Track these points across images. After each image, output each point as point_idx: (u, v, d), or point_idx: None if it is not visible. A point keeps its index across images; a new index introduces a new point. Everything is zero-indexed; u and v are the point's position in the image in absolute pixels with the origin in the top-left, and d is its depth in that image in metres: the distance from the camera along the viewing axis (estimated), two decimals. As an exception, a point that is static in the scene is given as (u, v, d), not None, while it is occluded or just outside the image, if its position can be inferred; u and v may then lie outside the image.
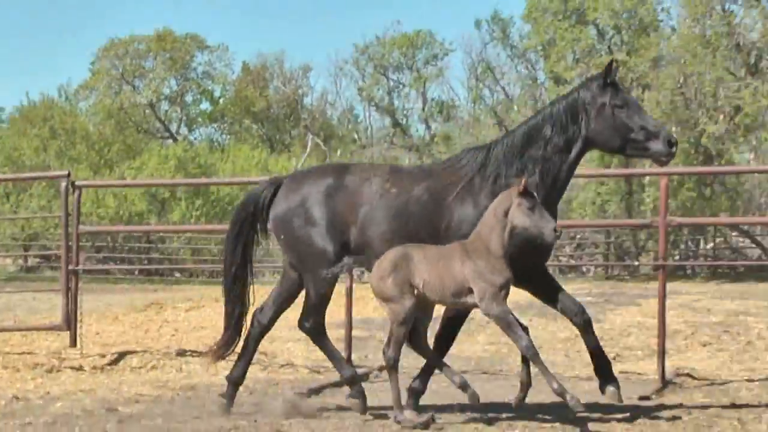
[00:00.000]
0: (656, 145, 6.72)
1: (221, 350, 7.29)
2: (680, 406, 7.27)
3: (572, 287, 16.23)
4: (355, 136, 48.03)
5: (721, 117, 26.40)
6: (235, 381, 7.24)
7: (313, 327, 7.11)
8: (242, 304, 7.23)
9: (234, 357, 7.42)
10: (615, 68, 6.88)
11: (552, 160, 6.73)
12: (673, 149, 6.73)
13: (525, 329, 6.38)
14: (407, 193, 6.78)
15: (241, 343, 7.28)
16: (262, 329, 7.22)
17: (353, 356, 9.49)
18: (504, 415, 6.77)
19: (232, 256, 7.17)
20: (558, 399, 6.30)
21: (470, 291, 6.33)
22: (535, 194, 6.35)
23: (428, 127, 45.48)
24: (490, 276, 6.28)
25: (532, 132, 6.79)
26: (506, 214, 6.30)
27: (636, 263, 28.64)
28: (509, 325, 6.28)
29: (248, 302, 7.26)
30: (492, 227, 6.33)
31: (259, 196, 7.17)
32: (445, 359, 6.80)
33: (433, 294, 6.38)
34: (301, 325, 7.20)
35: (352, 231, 6.82)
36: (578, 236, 31.22)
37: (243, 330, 7.25)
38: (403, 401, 6.63)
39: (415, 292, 6.38)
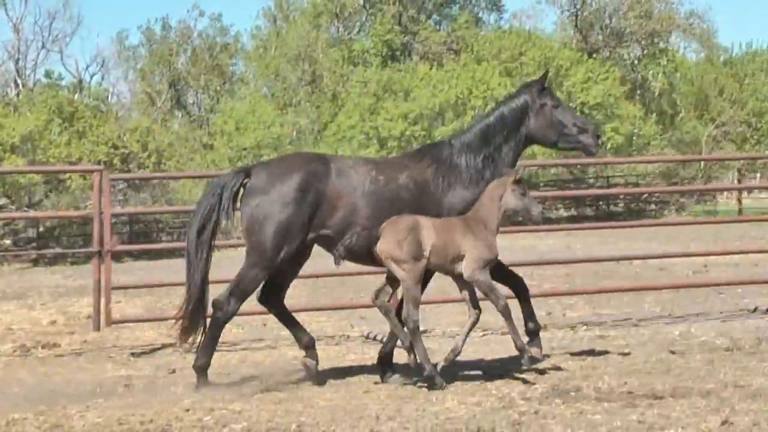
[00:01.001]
0: (587, 138, 7.95)
1: (183, 337, 7.67)
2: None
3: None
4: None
5: None
6: (203, 367, 7.57)
7: (277, 302, 7.76)
8: (204, 291, 7.57)
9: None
10: (548, 75, 8.16)
11: (502, 157, 7.80)
12: (599, 141, 8.01)
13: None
14: (395, 181, 7.56)
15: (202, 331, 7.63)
16: (227, 318, 7.58)
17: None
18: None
19: (197, 248, 7.50)
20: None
21: (462, 259, 7.26)
22: (524, 182, 7.47)
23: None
24: (484, 250, 7.29)
25: (486, 132, 7.83)
26: (501, 198, 7.41)
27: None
28: (492, 289, 7.30)
29: (208, 289, 7.61)
30: (489, 208, 7.39)
31: (226, 186, 7.57)
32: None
33: (436, 259, 7.21)
34: (265, 301, 7.79)
35: (337, 215, 7.44)
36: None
37: (202, 317, 7.59)
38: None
39: (424, 256, 7.13)
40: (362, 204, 7.46)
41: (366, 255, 7.46)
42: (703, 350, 8.71)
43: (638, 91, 50.18)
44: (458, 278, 7.35)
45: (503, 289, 7.61)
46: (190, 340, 7.70)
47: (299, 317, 8.24)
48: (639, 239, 22.08)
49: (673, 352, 8.62)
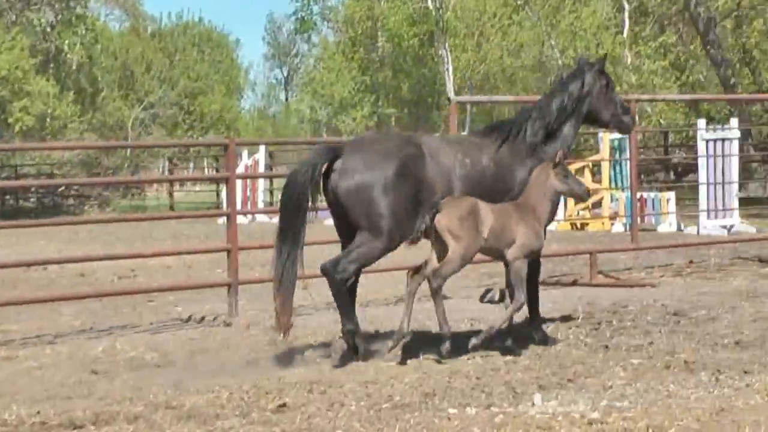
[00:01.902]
0: (628, 119, 9.75)
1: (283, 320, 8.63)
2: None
3: None
4: None
5: None
6: (354, 331, 8.62)
7: (350, 277, 8.70)
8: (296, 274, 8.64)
9: None
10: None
11: (564, 134, 9.35)
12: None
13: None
14: (480, 163, 8.99)
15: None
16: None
17: None
18: None
19: (291, 230, 8.59)
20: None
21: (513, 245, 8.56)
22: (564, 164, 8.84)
23: None
24: (533, 239, 8.65)
25: (558, 110, 9.31)
26: (546, 183, 8.72)
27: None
28: (521, 282, 8.56)
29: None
30: (537, 195, 8.72)
31: (316, 166, 8.65)
32: None
33: (492, 241, 8.46)
34: (333, 270, 8.59)
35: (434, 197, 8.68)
36: None
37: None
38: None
39: (483, 237, 8.35)
40: (457, 187, 8.80)
41: None
42: (131, 368, 8.86)
43: (52, 64, 49.82)
44: (506, 263, 8.57)
45: None
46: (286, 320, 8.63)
47: None
48: (55, 240, 21.99)
49: (95, 372, 8.66)
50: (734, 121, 21.06)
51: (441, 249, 8.44)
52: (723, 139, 20.00)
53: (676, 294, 12.13)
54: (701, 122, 21.02)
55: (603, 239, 19.77)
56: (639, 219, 18.01)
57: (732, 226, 20.17)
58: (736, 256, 15.90)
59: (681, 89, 39.41)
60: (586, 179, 23.33)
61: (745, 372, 7.58)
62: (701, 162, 19.97)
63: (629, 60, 40.85)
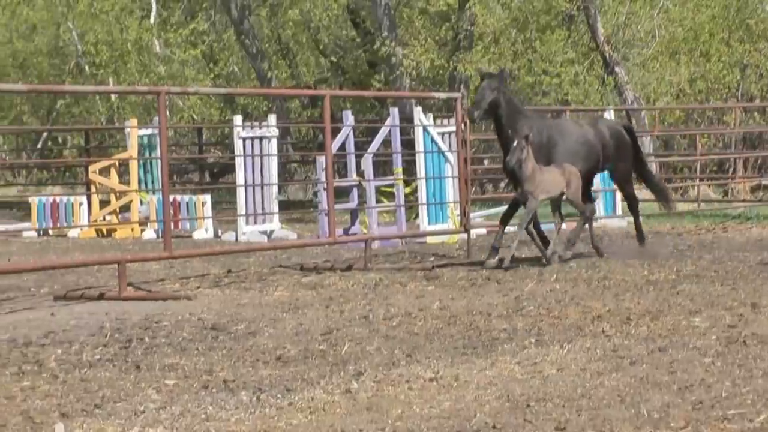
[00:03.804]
0: None
1: None
2: None
3: None
4: None
5: None
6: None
7: None
8: None
9: None
10: None
11: None
12: None
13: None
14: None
15: None
16: None
17: None
18: None
19: None
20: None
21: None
22: None
23: None
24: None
25: None
26: None
27: None
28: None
29: None
30: None
31: None
32: None
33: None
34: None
35: None
36: None
37: None
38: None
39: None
40: None
41: None
42: None
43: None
44: None
45: None
46: None
47: None
48: None
49: None
50: (272, 118, 21.82)
51: None
52: (261, 138, 20.70)
53: (213, 307, 12.37)
54: (237, 119, 21.46)
55: (133, 247, 19.80)
56: (172, 224, 18.23)
57: (272, 232, 20.90)
58: (276, 265, 16.48)
59: (215, 82, 40.07)
60: (113, 180, 23.29)
61: (288, 390, 7.86)
62: (239, 162, 20.55)
63: (158, 48, 41.04)
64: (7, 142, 47.48)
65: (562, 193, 15.39)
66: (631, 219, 17.61)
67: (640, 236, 16.85)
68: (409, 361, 8.76)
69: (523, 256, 16.16)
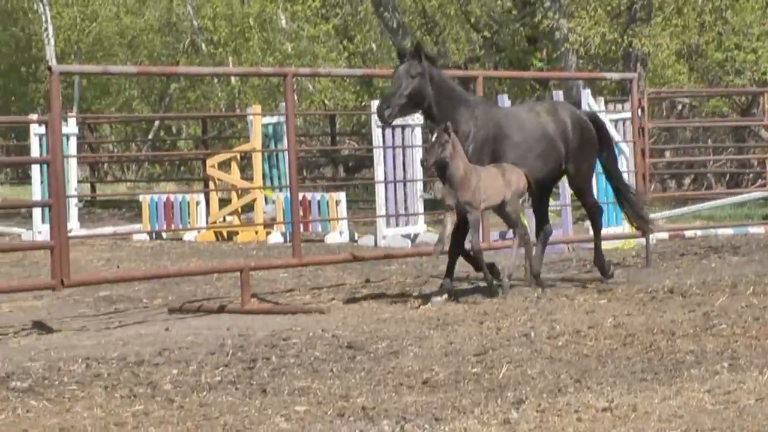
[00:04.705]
0: None
1: None
2: None
3: None
4: None
5: None
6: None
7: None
8: None
9: None
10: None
11: None
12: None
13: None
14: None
15: None
16: None
17: None
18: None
19: None
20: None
21: None
22: None
23: None
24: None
25: None
26: None
27: None
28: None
29: None
30: None
31: None
32: None
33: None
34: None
35: None
36: None
37: None
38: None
39: None
40: None
41: None
42: None
43: None
44: None
45: None
46: None
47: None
48: None
49: None
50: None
51: None
52: (403, 126, 20.64)
53: (350, 322, 12.44)
54: (375, 104, 21.40)
55: (257, 253, 20.00)
56: (302, 227, 18.36)
57: (417, 236, 20.90)
58: (421, 273, 16.48)
59: (350, 61, 40.11)
60: (234, 176, 23.56)
61: (436, 419, 7.84)
62: (378, 154, 20.56)
63: (284, 22, 41.32)
64: (115, 132, 48.25)
65: (505, 202, 13.62)
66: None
67: (599, 260, 14.94)
68: (578, 388, 8.68)
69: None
